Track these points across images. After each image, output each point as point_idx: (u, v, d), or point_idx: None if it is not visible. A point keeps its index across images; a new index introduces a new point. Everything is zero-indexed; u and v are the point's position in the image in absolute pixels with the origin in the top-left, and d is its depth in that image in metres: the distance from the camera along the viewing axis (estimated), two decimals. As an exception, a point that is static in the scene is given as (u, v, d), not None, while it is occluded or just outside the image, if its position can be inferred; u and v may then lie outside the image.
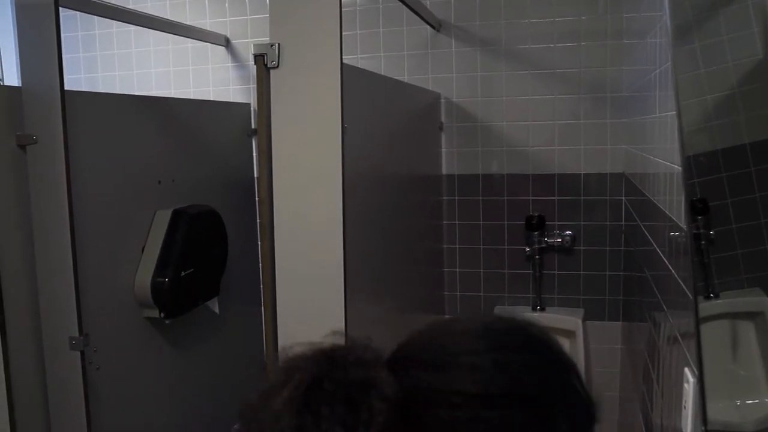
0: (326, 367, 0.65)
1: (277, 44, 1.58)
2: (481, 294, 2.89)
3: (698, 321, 1.04)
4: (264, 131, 1.62)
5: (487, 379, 0.64)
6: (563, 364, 0.70)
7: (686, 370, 1.13)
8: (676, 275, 1.28)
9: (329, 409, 0.61)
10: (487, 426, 0.63)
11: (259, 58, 1.59)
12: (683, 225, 1.16)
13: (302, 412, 0.62)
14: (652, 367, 1.69)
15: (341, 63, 1.56)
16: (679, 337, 1.25)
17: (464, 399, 0.63)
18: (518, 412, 0.64)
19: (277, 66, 1.58)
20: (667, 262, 1.41)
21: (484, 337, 0.69)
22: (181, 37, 2.90)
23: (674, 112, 1.20)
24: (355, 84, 1.71)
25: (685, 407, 1.11)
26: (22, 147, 1.65)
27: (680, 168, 1.15)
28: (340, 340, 0.71)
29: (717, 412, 1.04)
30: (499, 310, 2.83)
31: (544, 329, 0.72)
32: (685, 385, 1.12)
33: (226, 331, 2.57)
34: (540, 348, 0.70)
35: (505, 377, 0.65)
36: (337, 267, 1.61)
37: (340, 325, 1.63)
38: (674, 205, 1.31)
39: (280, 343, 1.68)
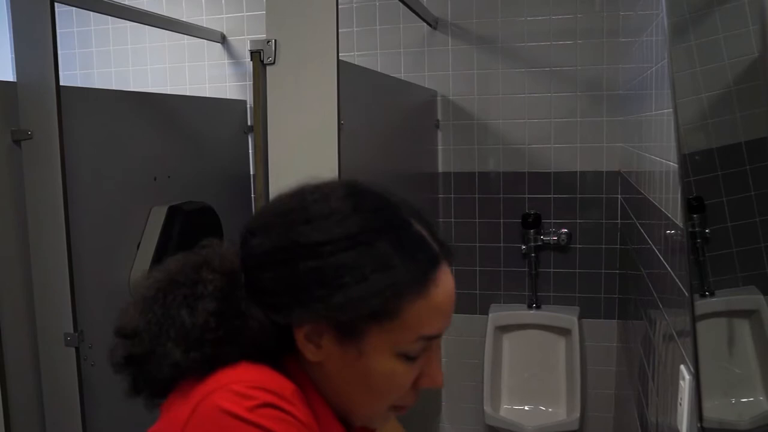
0: (184, 266, 0.79)
1: (273, 41, 1.58)
2: (477, 292, 2.90)
3: (694, 319, 1.05)
4: (260, 128, 1.62)
5: (347, 222, 0.74)
6: (402, 208, 0.79)
7: (682, 367, 1.13)
8: (672, 273, 1.29)
9: (172, 296, 0.76)
10: (346, 264, 0.72)
11: (256, 55, 1.58)
12: (680, 223, 1.16)
13: (154, 304, 0.76)
14: (648, 364, 1.69)
15: (338, 60, 1.56)
16: (675, 335, 1.25)
17: (330, 243, 0.73)
18: (373, 247, 0.73)
19: (274, 62, 1.58)
20: (663, 260, 1.41)
21: (338, 192, 0.78)
22: (178, 34, 2.89)
23: (670, 110, 1.20)
24: (352, 81, 1.70)
25: (680, 404, 1.12)
26: (17, 142, 1.64)
27: (677, 165, 1.15)
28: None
29: (712, 409, 1.04)
30: (495, 308, 2.84)
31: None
32: (681, 382, 1.12)
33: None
34: (384, 195, 0.81)
35: (359, 217, 0.75)
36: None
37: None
38: (670, 203, 1.31)
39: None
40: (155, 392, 0.77)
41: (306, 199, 0.78)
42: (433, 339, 0.78)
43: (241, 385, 0.70)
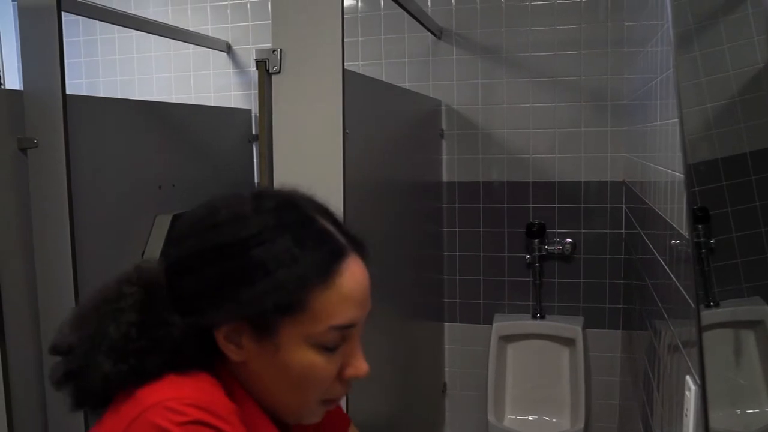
0: (113, 283, 0.84)
1: (279, 50, 1.58)
2: (481, 301, 2.89)
3: (700, 329, 1.04)
4: (265, 136, 1.62)
5: (249, 223, 0.78)
6: (306, 207, 0.83)
7: (688, 378, 1.13)
8: (677, 283, 1.28)
9: (102, 312, 0.80)
10: (251, 263, 0.77)
11: (261, 64, 1.59)
12: (685, 233, 1.16)
13: (86, 320, 0.81)
14: (653, 375, 1.69)
15: (343, 68, 1.56)
16: (681, 346, 1.25)
17: (235, 245, 0.78)
18: (275, 244, 0.77)
19: (279, 71, 1.58)
20: (668, 270, 1.41)
21: (243, 198, 0.82)
22: (183, 43, 2.90)
23: (676, 120, 1.20)
24: (357, 90, 1.71)
25: (686, 415, 1.11)
26: (23, 150, 1.64)
27: (682, 176, 1.15)
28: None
29: (717, 420, 1.04)
30: (499, 317, 2.83)
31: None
32: (687, 392, 1.12)
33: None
34: (290, 195, 0.85)
35: (261, 218, 0.79)
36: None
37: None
38: (675, 213, 1.31)
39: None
40: (94, 405, 0.80)
41: (214, 207, 0.82)
42: (347, 329, 0.81)
43: (176, 402, 0.72)
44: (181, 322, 0.79)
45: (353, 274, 0.81)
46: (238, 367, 0.82)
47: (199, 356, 0.80)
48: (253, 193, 0.84)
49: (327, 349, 0.80)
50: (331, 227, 0.83)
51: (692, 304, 1.09)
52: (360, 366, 0.84)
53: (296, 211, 0.82)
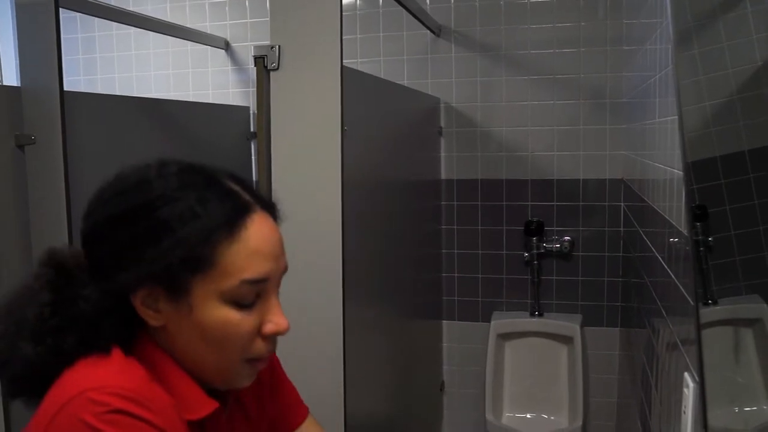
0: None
1: (277, 46, 1.58)
2: (479, 299, 2.89)
3: (699, 327, 1.04)
4: (263, 133, 1.62)
5: (153, 186, 0.81)
6: (211, 170, 0.86)
7: (686, 375, 1.13)
8: (676, 281, 1.28)
9: (22, 298, 0.82)
10: (156, 223, 0.78)
11: (260, 60, 1.59)
12: (684, 231, 1.16)
13: (10, 310, 0.82)
14: (651, 372, 1.69)
15: (341, 65, 1.56)
16: (679, 343, 1.25)
17: (139, 208, 0.80)
18: (178, 202, 0.79)
19: (277, 68, 1.58)
20: (667, 267, 1.41)
21: (148, 165, 0.84)
22: (181, 40, 2.89)
23: (675, 117, 1.20)
24: (355, 86, 1.71)
25: (684, 412, 1.11)
26: (21, 147, 1.64)
27: (681, 173, 1.15)
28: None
29: (715, 418, 1.04)
30: (498, 315, 2.83)
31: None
32: (685, 390, 1.12)
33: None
34: (195, 162, 0.87)
35: (164, 180, 0.81)
36: (336, 270, 1.61)
37: (338, 327, 1.63)
38: (674, 211, 1.31)
39: (277, 346, 1.68)
40: (29, 393, 0.81)
41: (122, 175, 0.84)
42: (260, 284, 0.82)
43: (96, 392, 0.73)
44: (97, 294, 0.80)
45: (260, 229, 0.82)
46: (159, 335, 0.84)
47: (118, 330, 0.81)
48: (158, 160, 0.85)
49: (241, 305, 0.81)
50: (236, 187, 0.84)
51: (691, 302, 1.09)
52: (279, 321, 0.85)
53: (200, 173, 0.84)
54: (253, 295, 0.82)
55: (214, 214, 0.79)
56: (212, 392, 0.90)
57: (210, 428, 0.86)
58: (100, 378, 0.76)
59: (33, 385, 0.79)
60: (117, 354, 0.80)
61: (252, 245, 0.81)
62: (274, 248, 0.84)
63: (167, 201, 0.79)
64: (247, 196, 0.84)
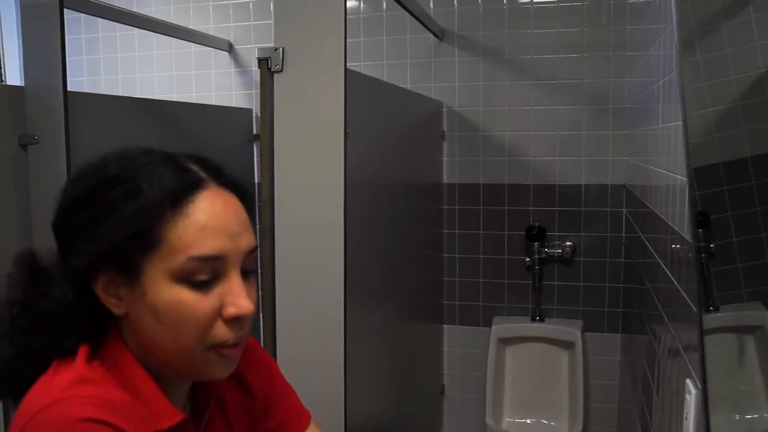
0: None
1: (281, 48, 1.58)
2: (480, 304, 2.89)
3: (702, 333, 1.04)
4: (267, 135, 1.62)
5: (104, 171, 0.80)
6: (162, 153, 0.84)
7: (688, 381, 1.12)
8: (678, 287, 1.28)
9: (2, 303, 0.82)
10: (104, 204, 0.78)
11: (263, 62, 1.59)
12: (688, 236, 1.16)
13: None
14: (652, 379, 1.68)
15: (345, 67, 1.56)
16: (681, 350, 1.24)
17: (91, 192, 0.80)
18: (124, 183, 0.78)
19: (281, 70, 1.58)
20: (669, 274, 1.41)
21: (105, 154, 0.84)
22: (185, 42, 2.90)
23: (679, 123, 1.20)
24: (359, 89, 1.71)
25: (686, 418, 1.11)
26: (24, 147, 1.64)
27: (685, 179, 1.15)
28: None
29: (716, 426, 1.04)
30: (498, 320, 2.83)
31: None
32: (687, 396, 1.12)
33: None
34: (150, 147, 0.85)
35: (114, 165, 0.81)
36: (338, 272, 1.60)
37: (340, 330, 1.63)
38: (677, 217, 1.31)
39: (279, 349, 1.68)
40: (10, 394, 0.81)
41: (83, 164, 0.84)
42: (214, 261, 0.79)
43: (67, 402, 0.73)
44: (61, 289, 0.80)
45: (211, 204, 0.79)
46: (125, 328, 0.82)
47: (88, 326, 0.80)
48: (117, 148, 0.85)
49: (196, 285, 0.78)
50: (194, 167, 0.82)
51: (694, 308, 1.09)
52: (241, 304, 0.80)
53: (157, 154, 0.83)
54: (208, 274, 0.79)
55: (159, 190, 0.78)
56: (195, 402, 0.89)
57: None
58: (65, 388, 0.75)
59: (15, 386, 0.79)
60: (83, 360, 0.79)
61: (200, 220, 0.78)
62: (227, 224, 0.80)
63: (119, 182, 0.78)
64: (203, 174, 0.82)
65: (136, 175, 0.79)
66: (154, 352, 0.82)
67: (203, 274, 0.78)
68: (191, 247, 0.77)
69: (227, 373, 0.85)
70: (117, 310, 0.81)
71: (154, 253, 0.77)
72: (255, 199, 0.89)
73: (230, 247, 0.80)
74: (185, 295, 0.78)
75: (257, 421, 1.00)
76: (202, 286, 0.79)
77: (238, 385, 0.99)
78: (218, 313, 0.80)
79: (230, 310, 0.80)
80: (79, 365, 0.78)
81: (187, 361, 0.81)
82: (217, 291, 0.80)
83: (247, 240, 0.83)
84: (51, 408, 0.72)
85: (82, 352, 0.79)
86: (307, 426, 1.06)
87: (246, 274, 0.84)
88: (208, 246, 0.78)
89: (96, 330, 0.81)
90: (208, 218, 0.79)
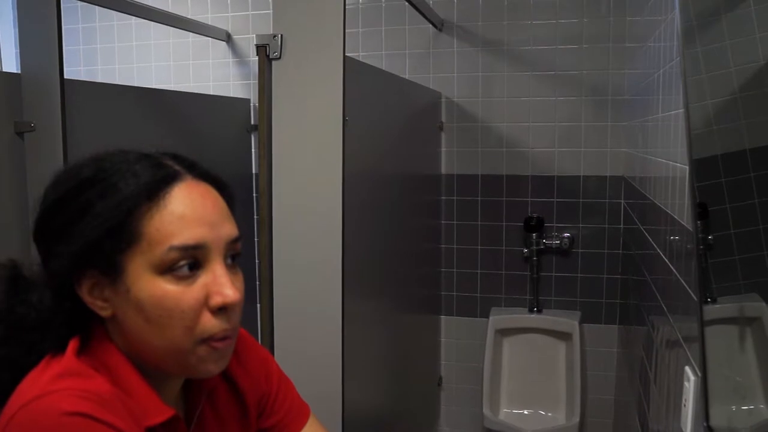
0: None
1: (279, 35, 1.57)
2: (478, 295, 2.89)
3: (702, 323, 1.04)
4: (265, 122, 1.61)
5: (79, 173, 0.81)
6: (149, 151, 0.84)
7: (687, 368, 1.13)
8: (678, 278, 1.28)
9: None
10: (79, 205, 0.78)
11: (262, 49, 1.58)
12: (689, 227, 1.15)
13: None
14: (650, 369, 1.69)
15: (344, 55, 1.55)
16: (681, 340, 1.24)
17: (65, 196, 0.80)
18: (99, 183, 0.78)
19: (280, 57, 1.58)
20: (669, 264, 1.41)
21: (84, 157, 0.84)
22: (183, 31, 2.88)
23: (679, 111, 1.20)
24: (357, 77, 1.70)
25: (685, 405, 1.11)
26: (20, 134, 1.63)
27: (687, 167, 1.15)
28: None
29: (713, 416, 1.04)
30: (496, 311, 2.83)
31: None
32: (686, 383, 1.12)
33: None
34: (125, 150, 0.84)
35: (90, 167, 0.81)
36: (335, 263, 1.60)
37: (337, 321, 1.62)
38: (677, 207, 1.30)
39: (276, 339, 1.68)
40: None
41: (56, 172, 0.84)
42: (194, 250, 0.78)
43: (53, 395, 0.72)
44: (38, 296, 0.81)
45: (187, 195, 0.80)
46: (113, 330, 0.82)
47: (69, 331, 0.80)
48: (94, 152, 0.84)
49: (179, 277, 0.78)
50: (170, 162, 0.83)
51: (694, 298, 1.09)
52: (225, 293, 0.79)
53: (132, 153, 0.83)
54: (190, 264, 0.78)
55: (135, 184, 0.78)
56: (186, 400, 0.89)
57: None
58: (57, 379, 0.75)
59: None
60: (72, 354, 0.78)
61: (177, 211, 0.78)
62: (205, 214, 0.80)
63: (93, 183, 0.78)
64: (178, 167, 0.82)
65: (111, 174, 0.79)
66: (144, 352, 0.81)
67: (185, 264, 0.78)
68: (171, 238, 0.77)
69: (220, 368, 0.84)
70: (104, 312, 0.80)
71: (134, 248, 0.77)
72: (233, 191, 0.88)
73: (210, 236, 0.80)
74: (169, 288, 0.77)
75: (250, 419, 0.99)
76: (186, 278, 0.78)
77: (228, 384, 0.98)
78: (204, 304, 0.79)
79: (216, 300, 0.79)
80: (68, 359, 0.77)
81: (179, 358, 0.80)
82: (201, 282, 0.79)
83: (228, 229, 0.83)
84: (38, 400, 0.72)
85: (72, 346, 0.79)
86: (306, 420, 1.06)
87: (231, 264, 0.83)
88: (187, 235, 0.78)
89: (77, 333, 0.81)
90: (186, 208, 0.79)
